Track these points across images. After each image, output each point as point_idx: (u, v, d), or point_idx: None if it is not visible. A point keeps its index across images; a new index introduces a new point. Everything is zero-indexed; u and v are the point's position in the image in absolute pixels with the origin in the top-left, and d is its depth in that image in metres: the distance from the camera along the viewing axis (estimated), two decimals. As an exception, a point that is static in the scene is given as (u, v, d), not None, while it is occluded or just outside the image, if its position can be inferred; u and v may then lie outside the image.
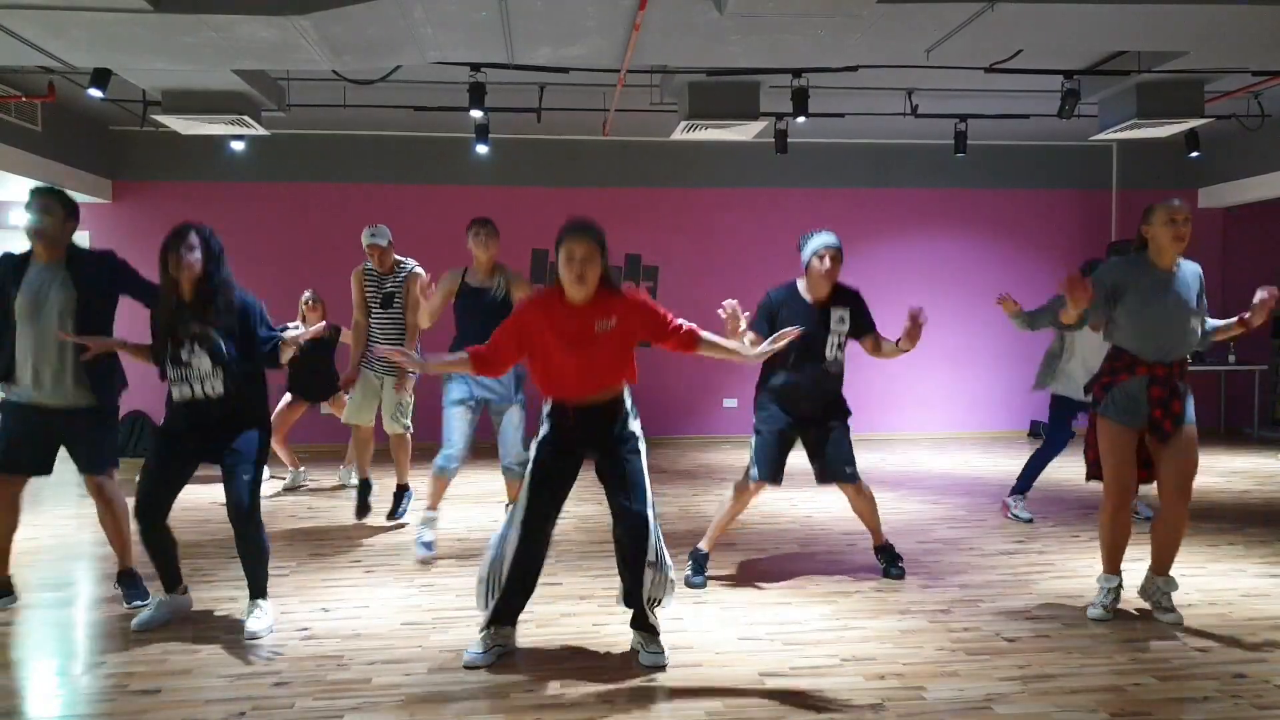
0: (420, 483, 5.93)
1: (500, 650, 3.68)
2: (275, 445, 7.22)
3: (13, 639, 4.03)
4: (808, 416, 4.63)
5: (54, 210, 4.21)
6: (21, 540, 5.64)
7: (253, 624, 3.95)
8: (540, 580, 4.70)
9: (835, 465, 4.64)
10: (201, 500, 6.81)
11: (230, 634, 3.97)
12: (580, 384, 3.58)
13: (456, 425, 5.10)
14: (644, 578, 3.57)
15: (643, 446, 3.67)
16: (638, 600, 3.63)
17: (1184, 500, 4.05)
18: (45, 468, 4.31)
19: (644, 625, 3.67)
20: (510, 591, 3.67)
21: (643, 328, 3.61)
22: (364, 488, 6.14)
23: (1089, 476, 4.24)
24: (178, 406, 3.94)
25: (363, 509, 6.11)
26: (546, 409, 3.68)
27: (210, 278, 3.90)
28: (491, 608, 3.67)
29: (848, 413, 4.74)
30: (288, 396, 7.37)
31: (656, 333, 3.62)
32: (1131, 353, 4.00)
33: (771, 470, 4.60)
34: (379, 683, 3.45)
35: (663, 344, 3.66)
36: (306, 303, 7.26)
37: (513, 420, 5.21)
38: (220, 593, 4.56)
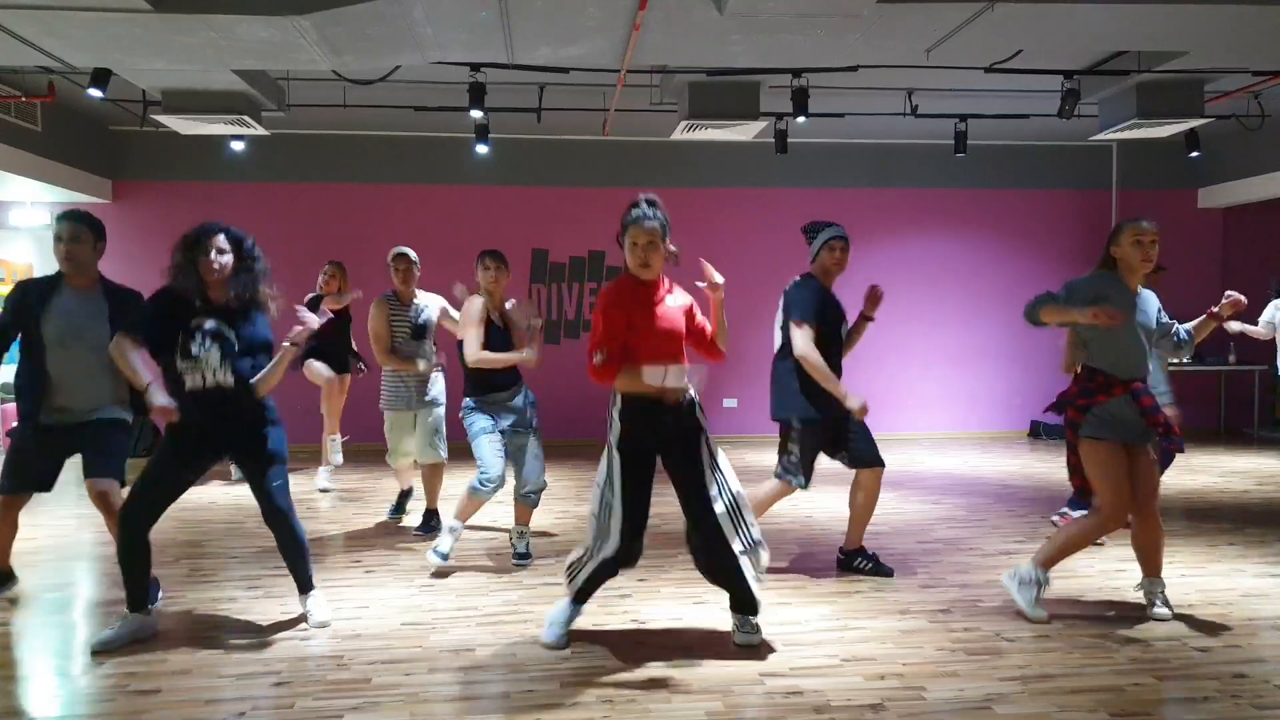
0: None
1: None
2: (327, 435, 7.24)
3: (13, 639, 4.03)
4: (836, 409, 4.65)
5: (84, 237, 4.19)
6: (21, 540, 5.65)
7: (319, 614, 4.08)
8: (540, 580, 4.73)
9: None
10: (201, 500, 6.82)
11: (230, 634, 3.97)
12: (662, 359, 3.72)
13: (492, 449, 4.90)
14: (740, 566, 3.72)
15: (704, 438, 3.78)
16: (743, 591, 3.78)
17: (1154, 504, 4.12)
18: (49, 484, 4.31)
19: (745, 605, 3.81)
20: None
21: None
22: (404, 498, 6.33)
23: (1081, 500, 4.35)
24: (188, 397, 3.80)
25: (397, 511, 6.28)
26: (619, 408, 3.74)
27: (241, 280, 3.90)
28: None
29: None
30: (322, 376, 7.15)
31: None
32: (1106, 372, 4.00)
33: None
34: (379, 683, 3.45)
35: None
36: (324, 274, 7.23)
37: (532, 449, 5.04)
38: (220, 593, 4.56)
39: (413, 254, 5.85)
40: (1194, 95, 7.18)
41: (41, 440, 4.18)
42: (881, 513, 6.39)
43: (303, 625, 4.08)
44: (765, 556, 3.82)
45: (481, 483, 4.81)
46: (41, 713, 3.30)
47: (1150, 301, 4.11)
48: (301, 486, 7.49)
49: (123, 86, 6.89)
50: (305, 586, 4.13)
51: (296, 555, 4.10)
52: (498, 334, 5.01)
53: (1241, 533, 5.73)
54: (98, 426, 4.16)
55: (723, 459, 3.82)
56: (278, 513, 3.97)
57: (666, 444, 3.76)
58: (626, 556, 3.72)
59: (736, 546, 3.70)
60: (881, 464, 4.73)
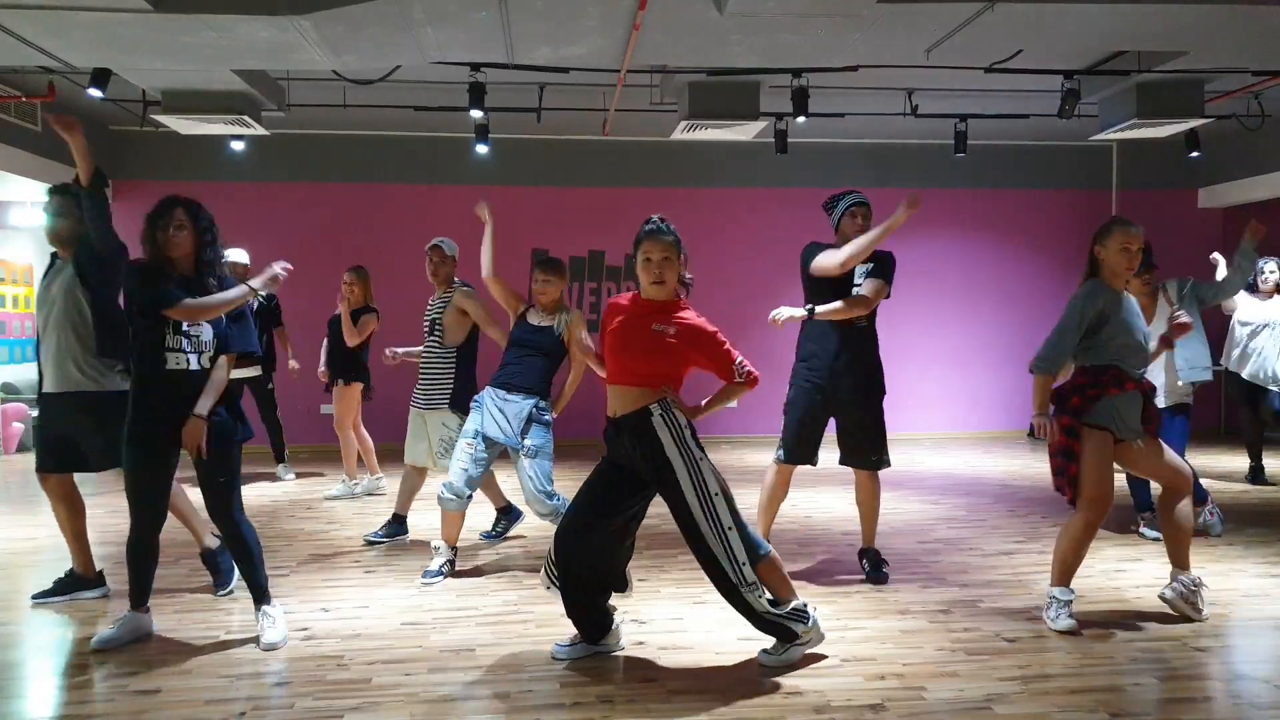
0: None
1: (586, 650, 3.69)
2: (344, 444, 6.97)
3: (13, 639, 4.03)
4: (844, 388, 4.58)
5: (69, 212, 4.24)
6: (21, 540, 5.67)
7: (269, 635, 3.81)
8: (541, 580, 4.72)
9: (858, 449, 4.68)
10: (201, 500, 6.80)
11: (230, 634, 3.97)
12: (614, 378, 3.54)
13: (458, 458, 4.80)
14: (736, 607, 3.51)
15: (683, 471, 3.40)
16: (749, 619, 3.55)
17: (1186, 486, 4.13)
18: (78, 464, 4.33)
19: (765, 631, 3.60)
20: (564, 591, 3.60)
21: (701, 355, 3.48)
22: (399, 521, 5.67)
23: (1072, 498, 4.04)
24: (158, 381, 3.69)
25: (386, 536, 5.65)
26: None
27: (203, 251, 3.79)
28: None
29: (880, 388, 4.69)
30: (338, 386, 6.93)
31: (717, 366, 3.50)
32: (1120, 367, 3.98)
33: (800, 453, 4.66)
34: (379, 683, 3.45)
35: (721, 378, 3.55)
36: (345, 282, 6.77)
37: (524, 469, 4.75)
38: (220, 592, 4.56)
39: (446, 247, 5.48)
40: (1194, 95, 7.19)
41: (45, 413, 4.38)
42: (882, 512, 6.38)
43: (303, 625, 4.07)
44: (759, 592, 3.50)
45: (441, 488, 4.78)
46: (41, 713, 3.29)
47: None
48: (304, 487, 7.50)
49: (123, 86, 6.89)
50: (259, 597, 3.92)
51: (245, 559, 3.91)
52: (528, 330, 4.96)
53: (1241, 533, 5.72)
54: (74, 404, 4.23)
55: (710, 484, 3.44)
56: (231, 510, 3.85)
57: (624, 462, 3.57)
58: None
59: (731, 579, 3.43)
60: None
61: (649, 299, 3.52)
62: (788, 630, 3.53)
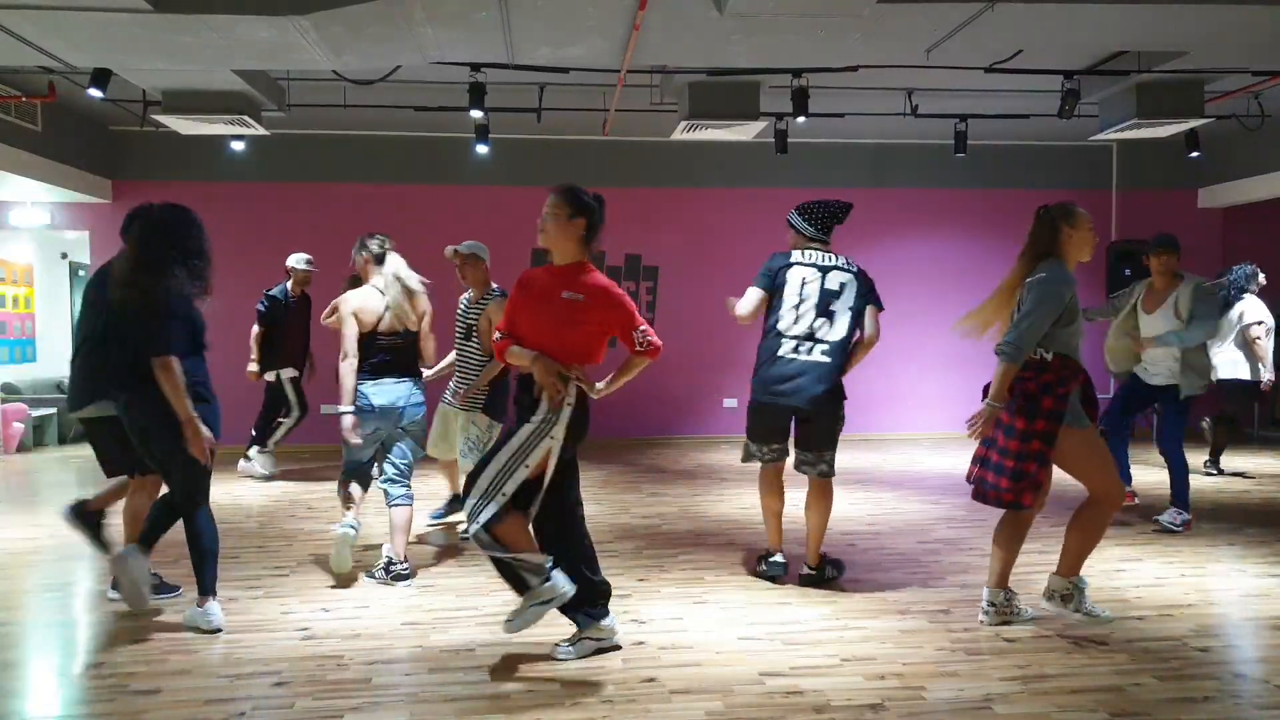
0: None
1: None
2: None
3: (13, 639, 4.03)
4: (801, 401, 4.59)
5: None
6: (21, 540, 5.67)
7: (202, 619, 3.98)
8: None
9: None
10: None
11: (230, 634, 3.97)
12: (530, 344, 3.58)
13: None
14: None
15: (525, 432, 3.49)
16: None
17: (1116, 495, 4.16)
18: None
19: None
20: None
21: (613, 320, 3.57)
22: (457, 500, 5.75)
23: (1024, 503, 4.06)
24: None
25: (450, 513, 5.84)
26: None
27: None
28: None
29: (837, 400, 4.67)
30: None
31: (621, 330, 3.59)
32: (1074, 359, 3.98)
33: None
34: (379, 683, 3.46)
35: (623, 343, 3.63)
36: None
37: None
38: (220, 593, 4.53)
39: (469, 249, 5.36)
40: (1194, 95, 7.19)
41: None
42: (881, 513, 6.42)
43: (303, 625, 4.07)
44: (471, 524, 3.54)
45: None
46: (41, 713, 3.30)
47: None
48: (304, 487, 7.50)
49: (123, 86, 6.89)
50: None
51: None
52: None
53: (1241, 533, 5.72)
54: None
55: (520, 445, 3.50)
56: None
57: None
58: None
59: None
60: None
61: (558, 266, 3.60)
62: (520, 579, 3.54)
